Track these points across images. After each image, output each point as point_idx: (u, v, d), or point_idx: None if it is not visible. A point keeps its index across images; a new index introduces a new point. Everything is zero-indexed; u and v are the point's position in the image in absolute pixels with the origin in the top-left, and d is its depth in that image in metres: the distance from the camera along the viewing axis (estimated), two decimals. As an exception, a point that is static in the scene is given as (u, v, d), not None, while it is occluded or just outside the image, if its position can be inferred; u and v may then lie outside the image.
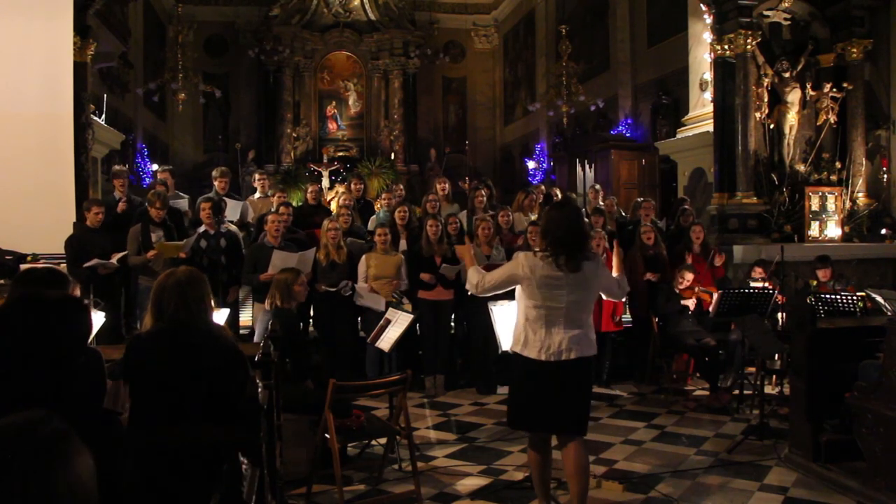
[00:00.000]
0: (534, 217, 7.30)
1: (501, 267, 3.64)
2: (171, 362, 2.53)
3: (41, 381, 1.85)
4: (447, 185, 8.10)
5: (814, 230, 8.27)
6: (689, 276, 6.34)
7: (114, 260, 6.06)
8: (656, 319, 6.42)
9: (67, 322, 1.94)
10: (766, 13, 8.38)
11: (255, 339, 4.70)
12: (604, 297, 3.82)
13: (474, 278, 3.60)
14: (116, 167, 7.61)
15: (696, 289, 6.36)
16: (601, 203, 8.12)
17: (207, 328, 2.66)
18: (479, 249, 6.39)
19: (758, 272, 6.75)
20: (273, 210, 6.73)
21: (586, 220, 6.70)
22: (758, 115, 8.32)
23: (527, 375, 3.43)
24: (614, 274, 3.72)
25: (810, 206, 8.25)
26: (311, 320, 6.86)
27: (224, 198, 6.93)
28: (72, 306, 2.00)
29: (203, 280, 2.76)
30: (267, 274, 5.72)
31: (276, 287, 4.61)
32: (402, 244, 6.74)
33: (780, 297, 5.99)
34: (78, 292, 3.32)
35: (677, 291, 6.36)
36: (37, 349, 1.86)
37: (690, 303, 6.36)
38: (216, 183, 7.37)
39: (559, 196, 8.38)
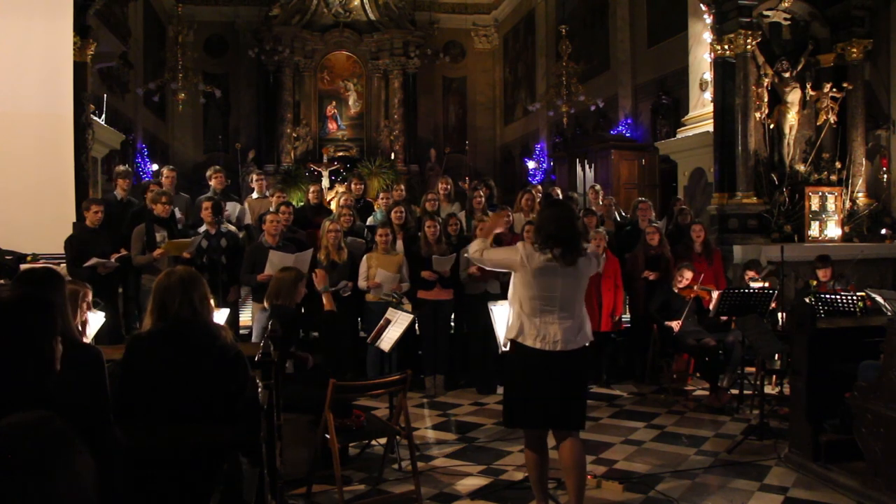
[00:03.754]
0: (534, 216, 7.30)
1: (503, 249, 3.72)
2: (172, 362, 2.52)
3: (29, 384, 1.84)
4: (449, 185, 8.09)
5: (814, 230, 8.27)
6: (689, 275, 6.34)
7: (113, 259, 6.06)
8: (655, 325, 6.41)
9: (21, 323, 1.92)
10: (766, 13, 8.38)
11: (253, 338, 4.69)
12: None
13: (476, 246, 3.66)
14: (121, 167, 7.61)
15: (696, 286, 6.35)
16: (600, 202, 8.13)
17: (208, 328, 2.66)
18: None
19: (749, 274, 6.76)
20: (272, 210, 6.72)
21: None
22: (758, 115, 8.32)
23: (523, 364, 3.47)
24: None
25: (810, 206, 8.25)
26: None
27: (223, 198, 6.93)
28: (26, 306, 1.97)
29: (202, 280, 2.76)
30: (264, 274, 5.72)
31: (274, 285, 4.61)
32: (399, 245, 6.73)
33: (773, 302, 5.98)
34: (90, 295, 3.32)
35: (676, 290, 6.36)
36: (16, 352, 1.86)
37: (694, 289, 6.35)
38: (212, 181, 7.37)
39: (559, 196, 8.37)
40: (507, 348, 3.59)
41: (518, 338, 3.46)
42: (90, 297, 3.35)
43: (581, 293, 3.54)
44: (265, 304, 4.63)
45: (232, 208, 7.35)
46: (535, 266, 3.41)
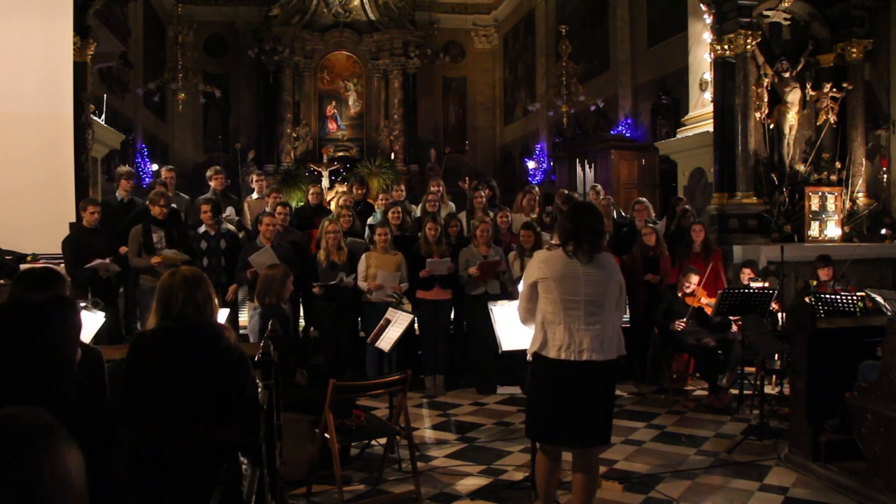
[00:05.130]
0: (533, 216, 7.30)
1: (522, 285, 3.53)
2: (175, 360, 2.52)
3: (33, 385, 1.84)
4: (440, 187, 8.05)
5: (814, 230, 8.27)
6: (694, 280, 6.32)
7: (110, 260, 6.06)
8: (656, 329, 6.40)
9: (52, 323, 1.92)
10: (766, 13, 8.38)
11: (250, 339, 4.67)
12: None
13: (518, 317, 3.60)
14: (124, 168, 7.61)
15: (702, 300, 6.32)
16: (600, 202, 8.12)
17: (212, 328, 2.66)
18: (477, 249, 6.40)
19: (747, 273, 6.75)
20: (269, 211, 6.70)
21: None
22: (758, 115, 8.32)
23: (546, 378, 3.33)
24: None
25: (810, 206, 8.25)
26: (305, 320, 6.85)
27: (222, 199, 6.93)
28: (56, 307, 1.98)
29: (207, 280, 2.75)
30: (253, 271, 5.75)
31: (262, 283, 4.59)
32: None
33: (775, 304, 5.97)
34: (68, 290, 3.31)
35: (680, 296, 6.35)
36: (26, 353, 1.85)
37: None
38: (212, 182, 7.37)
39: (563, 196, 8.38)
40: (529, 358, 3.44)
41: (541, 350, 3.31)
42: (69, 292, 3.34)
43: (610, 295, 3.34)
44: (255, 304, 4.62)
45: (228, 211, 7.34)
46: (555, 268, 3.31)
